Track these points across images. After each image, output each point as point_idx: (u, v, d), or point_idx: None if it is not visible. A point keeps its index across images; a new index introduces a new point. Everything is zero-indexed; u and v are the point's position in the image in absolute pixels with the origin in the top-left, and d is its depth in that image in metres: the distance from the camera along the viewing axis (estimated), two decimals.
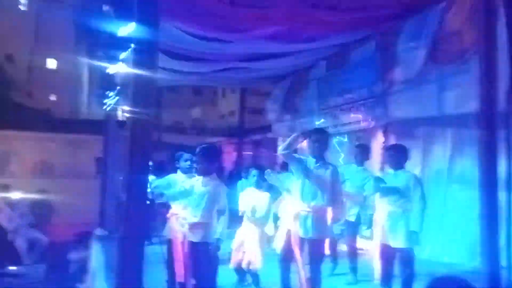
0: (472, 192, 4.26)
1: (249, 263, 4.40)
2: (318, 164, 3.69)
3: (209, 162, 3.75)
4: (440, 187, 4.92)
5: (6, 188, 9.20)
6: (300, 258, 3.62)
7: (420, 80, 4.94)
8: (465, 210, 4.51)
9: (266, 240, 4.57)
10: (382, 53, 5.59)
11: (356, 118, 6.13)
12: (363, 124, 6.02)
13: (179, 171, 4.40)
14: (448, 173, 4.83)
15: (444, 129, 4.87)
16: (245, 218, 4.51)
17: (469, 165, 4.49)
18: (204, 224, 3.69)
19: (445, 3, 4.52)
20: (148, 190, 3.52)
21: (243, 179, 5.21)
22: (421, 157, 5.08)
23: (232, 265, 4.49)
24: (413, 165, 5.00)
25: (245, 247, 4.42)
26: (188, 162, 4.24)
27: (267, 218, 4.50)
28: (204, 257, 3.65)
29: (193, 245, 3.70)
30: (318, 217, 3.63)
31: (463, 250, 4.51)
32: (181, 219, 3.93)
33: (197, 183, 3.79)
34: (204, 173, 3.76)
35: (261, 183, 4.44)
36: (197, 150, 3.83)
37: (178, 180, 4.28)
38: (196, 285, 3.73)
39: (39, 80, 27.41)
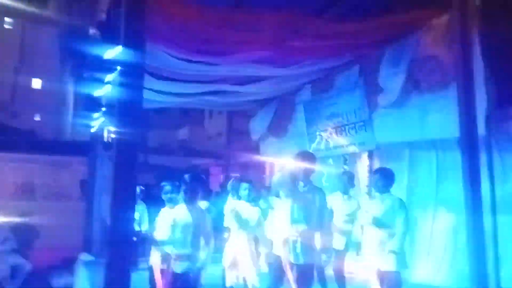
0: (459, 215, 4.34)
1: (244, 280, 4.35)
2: (306, 188, 3.70)
3: (192, 191, 3.76)
4: (427, 210, 4.96)
5: None
6: (294, 283, 3.59)
7: (403, 104, 5.04)
8: (453, 233, 4.56)
9: (258, 255, 4.54)
10: (365, 77, 5.72)
11: (344, 142, 6.19)
12: (351, 148, 6.08)
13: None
14: (435, 196, 4.88)
15: (429, 153, 4.96)
16: (234, 234, 4.49)
17: (454, 188, 4.54)
18: (189, 255, 3.67)
19: (422, 31, 4.66)
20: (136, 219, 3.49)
21: (230, 196, 5.21)
22: (407, 181, 5.13)
23: (228, 284, 4.44)
24: (399, 188, 5.08)
25: (238, 263, 4.39)
26: (168, 195, 4.22)
27: (259, 231, 4.50)
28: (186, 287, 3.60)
29: (175, 276, 3.65)
30: (307, 242, 3.64)
31: (453, 274, 4.53)
32: (165, 250, 3.86)
33: (180, 213, 3.76)
34: (188, 202, 3.75)
35: (252, 197, 4.48)
36: (183, 178, 3.83)
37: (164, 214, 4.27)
38: None
39: (23, 100, 27.11)
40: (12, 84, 28.01)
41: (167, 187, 4.18)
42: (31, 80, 28.48)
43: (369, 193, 4.07)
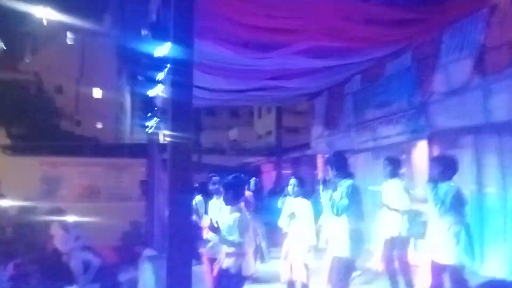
0: None
1: (297, 275, 4.37)
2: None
3: (235, 193, 3.76)
4: (495, 199, 4.62)
5: (59, 211, 9.66)
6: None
7: (464, 88, 4.74)
8: None
9: (312, 250, 4.52)
10: (418, 64, 5.43)
11: (394, 131, 5.95)
12: (401, 137, 5.83)
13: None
14: (503, 184, 4.53)
15: (494, 137, 4.61)
16: (288, 229, 4.54)
17: None
18: (231, 253, 3.67)
19: (486, 10, 4.34)
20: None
21: (282, 196, 5.24)
22: (475, 168, 4.79)
23: (283, 279, 4.51)
24: (467, 176, 4.77)
25: (290, 258, 4.43)
26: (216, 185, 4.33)
27: (308, 226, 4.48)
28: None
29: (220, 271, 3.70)
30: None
31: None
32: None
33: (225, 212, 3.82)
34: (231, 203, 3.76)
35: (299, 191, 4.47)
36: (225, 180, 3.88)
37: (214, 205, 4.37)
38: None
39: (86, 109, 28.88)
40: (75, 95, 29.93)
41: (215, 177, 4.34)
42: (92, 90, 30.28)
43: (430, 181, 3.90)
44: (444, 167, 3.80)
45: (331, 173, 4.02)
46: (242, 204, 3.81)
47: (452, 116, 4.96)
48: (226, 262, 3.65)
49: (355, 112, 6.91)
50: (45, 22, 29.10)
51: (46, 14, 25.55)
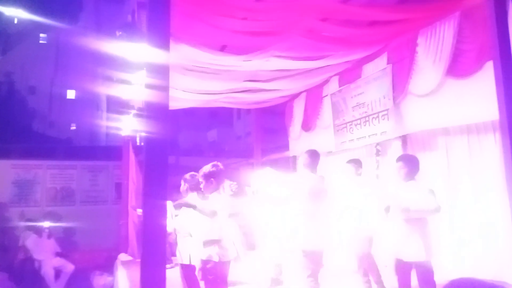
0: (500, 204, 4.14)
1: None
2: None
3: (216, 181, 3.80)
4: (465, 199, 4.76)
5: (32, 216, 9.39)
6: None
7: (436, 90, 4.85)
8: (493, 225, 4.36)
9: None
10: (394, 65, 5.54)
11: (367, 132, 6.05)
12: (373, 139, 5.94)
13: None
14: (472, 184, 4.67)
15: (465, 138, 4.75)
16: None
17: (492, 174, 4.35)
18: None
19: (457, 15, 4.46)
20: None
21: None
22: (445, 168, 4.93)
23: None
24: (437, 176, 4.90)
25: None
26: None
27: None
28: None
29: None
30: None
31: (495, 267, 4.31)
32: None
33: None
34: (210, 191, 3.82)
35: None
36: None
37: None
38: None
39: (59, 110, 28.19)
40: (48, 96, 29.17)
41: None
42: (66, 91, 29.59)
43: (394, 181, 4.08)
44: (408, 166, 3.91)
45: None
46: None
47: (426, 118, 5.08)
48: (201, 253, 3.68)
49: (334, 113, 6.97)
50: (15, 21, 28.26)
51: (17, 13, 24.82)
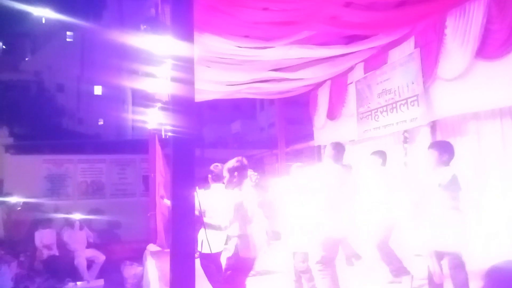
0: None
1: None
2: None
3: (239, 176, 3.78)
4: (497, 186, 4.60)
5: (66, 209, 9.73)
6: None
7: (466, 75, 4.69)
8: None
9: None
10: (422, 49, 5.37)
11: (395, 119, 5.90)
12: (402, 126, 5.79)
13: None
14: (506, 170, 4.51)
15: (499, 122, 4.57)
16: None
17: None
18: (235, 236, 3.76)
19: None
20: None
21: None
22: (477, 154, 4.78)
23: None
24: (468, 162, 4.76)
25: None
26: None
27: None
28: None
29: None
30: None
31: None
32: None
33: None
34: (233, 186, 3.81)
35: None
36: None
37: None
38: None
39: (87, 106, 28.89)
40: (76, 93, 29.91)
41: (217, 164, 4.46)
42: (92, 88, 30.26)
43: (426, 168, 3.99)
44: (440, 153, 3.79)
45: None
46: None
47: (455, 102, 4.92)
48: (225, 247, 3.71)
49: (358, 101, 6.86)
50: (43, 21, 29.01)
51: (45, 13, 25.47)
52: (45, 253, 8.68)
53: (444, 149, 3.82)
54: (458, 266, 3.60)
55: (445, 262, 3.73)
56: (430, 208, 3.79)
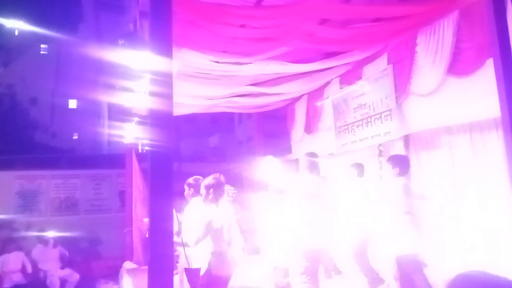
0: (504, 201, 4.13)
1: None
2: None
3: (215, 192, 3.84)
4: (469, 197, 4.74)
5: (39, 226, 9.40)
6: None
7: (438, 90, 4.86)
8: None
9: None
10: (395, 65, 5.56)
11: (370, 133, 6.06)
12: (376, 140, 5.95)
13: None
14: (476, 182, 4.66)
15: (468, 136, 4.74)
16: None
17: (496, 171, 4.34)
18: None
19: (456, 13, 4.48)
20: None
21: None
22: (449, 167, 4.93)
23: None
24: (442, 175, 4.90)
25: None
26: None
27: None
28: None
29: None
30: None
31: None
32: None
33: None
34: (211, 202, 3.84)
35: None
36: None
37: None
38: None
39: (61, 120, 28.26)
40: (50, 106, 29.25)
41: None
42: (67, 101, 29.68)
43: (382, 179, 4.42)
44: (393, 166, 4.29)
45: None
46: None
47: (428, 117, 5.09)
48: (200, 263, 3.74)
49: (335, 115, 6.99)
50: (16, 33, 28.42)
51: (18, 26, 24.97)
52: (8, 282, 8.15)
53: (396, 163, 4.31)
54: (417, 268, 3.80)
55: (405, 266, 3.92)
56: (388, 214, 4.07)
